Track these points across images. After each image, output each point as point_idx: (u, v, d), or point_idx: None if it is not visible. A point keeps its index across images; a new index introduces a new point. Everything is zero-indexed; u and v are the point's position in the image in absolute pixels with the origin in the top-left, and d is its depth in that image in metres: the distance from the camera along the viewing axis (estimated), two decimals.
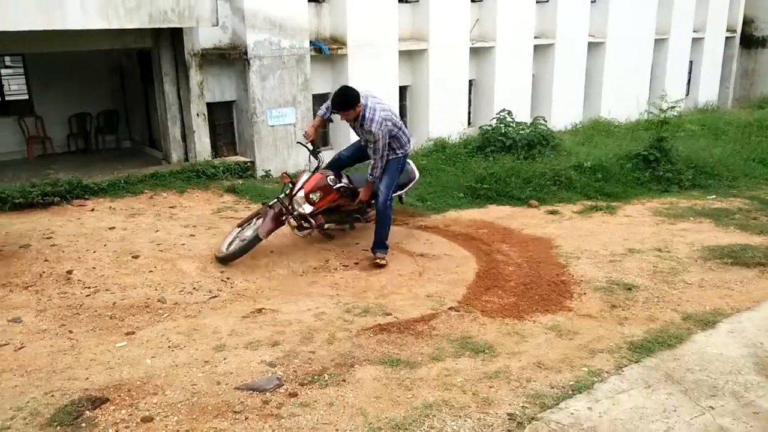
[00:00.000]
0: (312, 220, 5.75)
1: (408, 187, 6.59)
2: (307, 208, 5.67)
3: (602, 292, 4.95)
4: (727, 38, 20.24)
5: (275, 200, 5.77)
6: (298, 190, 5.67)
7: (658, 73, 17.59)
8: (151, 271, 5.46)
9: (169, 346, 4.09)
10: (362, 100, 5.53)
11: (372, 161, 5.79)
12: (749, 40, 21.90)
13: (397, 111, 5.84)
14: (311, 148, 5.89)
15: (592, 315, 4.53)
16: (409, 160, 6.39)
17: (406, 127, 6.01)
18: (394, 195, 6.05)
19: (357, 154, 6.22)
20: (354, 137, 6.47)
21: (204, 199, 8.08)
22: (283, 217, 5.75)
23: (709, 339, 4.10)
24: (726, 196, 8.06)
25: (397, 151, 5.89)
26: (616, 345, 4.04)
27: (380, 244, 5.81)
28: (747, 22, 21.52)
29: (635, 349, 3.97)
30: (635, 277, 5.26)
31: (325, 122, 6.03)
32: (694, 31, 18.49)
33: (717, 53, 19.60)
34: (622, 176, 8.53)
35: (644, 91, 17.12)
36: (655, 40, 17.31)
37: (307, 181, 5.72)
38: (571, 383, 3.56)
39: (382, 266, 5.66)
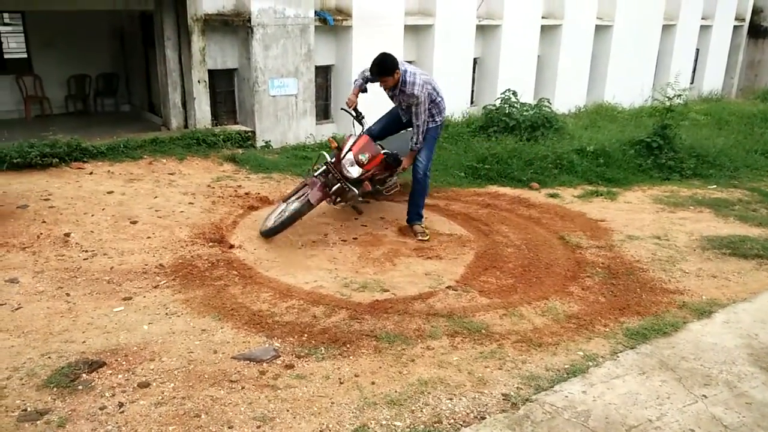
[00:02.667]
0: (355, 189, 5.51)
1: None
2: (355, 171, 5.45)
3: (600, 278, 4.96)
4: (735, 27, 20.03)
5: (323, 167, 5.60)
6: (347, 152, 5.50)
7: (664, 59, 17.43)
8: (149, 237, 5.44)
9: (166, 313, 4.09)
10: (401, 67, 5.57)
11: (414, 129, 5.77)
12: (757, 30, 21.68)
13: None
14: (354, 114, 5.92)
15: (590, 300, 4.55)
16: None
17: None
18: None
19: (386, 128, 6.23)
20: (381, 112, 6.43)
21: (203, 167, 8.02)
22: (330, 186, 5.53)
23: (705, 328, 4.13)
24: (727, 186, 8.05)
25: (436, 118, 5.90)
26: (613, 330, 4.06)
27: (416, 215, 5.97)
28: (756, 11, 21.27)
29: (631, 335, 3.99)
30: (633, 264, 5.27)
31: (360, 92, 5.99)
32: (702, 18, 18.29)
33: (724, 42, 19.41)
34: (624, 162, 8.49)
35: (649, 78, 16.98)
36: (663, 26, 17.11)
37: (355, 143, 5.60)
38: (566, 366, 3.59)
39: (424, 241, 5.73)
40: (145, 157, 8.00)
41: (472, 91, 13.89)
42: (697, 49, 18.67)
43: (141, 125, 10.17)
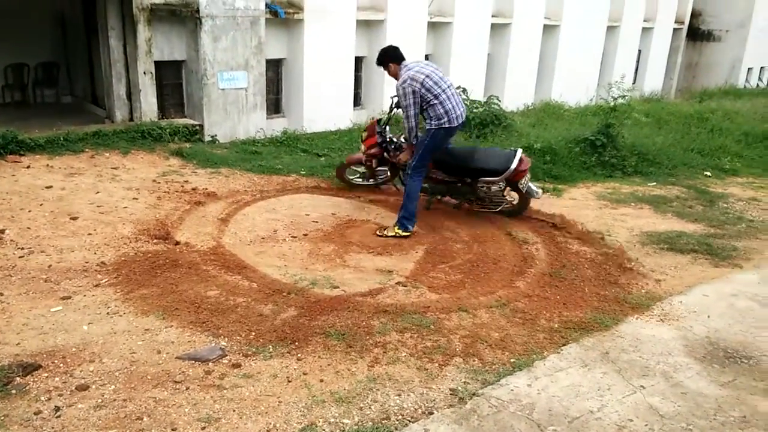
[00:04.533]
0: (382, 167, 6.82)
1: (505, 174, 5.99)
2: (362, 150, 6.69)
3: (545, 273, 5.08)
4: (674, 30, 20.84)
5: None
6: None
7: (608, 60, 17.99)
8: (90, 234, 5.25)
9: (107, 313, 3.96)
10: (404, 62, 5.75)
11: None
12: (695, 33, 22.64)
13: (437, 81, 5.63)
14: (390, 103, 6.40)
15: (535, 294, 4.65)
16: (515, 148, 6.25)
17: (447, 101, 5.65)
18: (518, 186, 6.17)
19: None
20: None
21: (149, 162, 7.80)
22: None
23: (643, 321, 4.29)
24: (665, 183, 8.36)
25: (431, 122, 5.68)
26: (557, 324, 4.17)
27: (399, 221, 5.82)
28: (695, 14, 22.19)
29: (574, 328, 4.11)
30: (578, 258, 5.42)
31: None
32: (644, 21, 18.95)
33: (665, 44, 20.18)
34: (569, 159, 8.71)
35: (594, 77, 17.51)
36: (608, 27, 17.66)
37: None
38: (512, 360, 3.66)
39: (381, 237, 5.71)
40: (87, 150, 7.73)
41: None
42: (639, 51, 19.33)
43: (83, 117, 9.80)
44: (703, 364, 3.74)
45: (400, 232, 5.73)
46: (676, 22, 20.65)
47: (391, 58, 5.79)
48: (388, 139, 6.55)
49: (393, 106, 6.26)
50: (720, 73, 22.07)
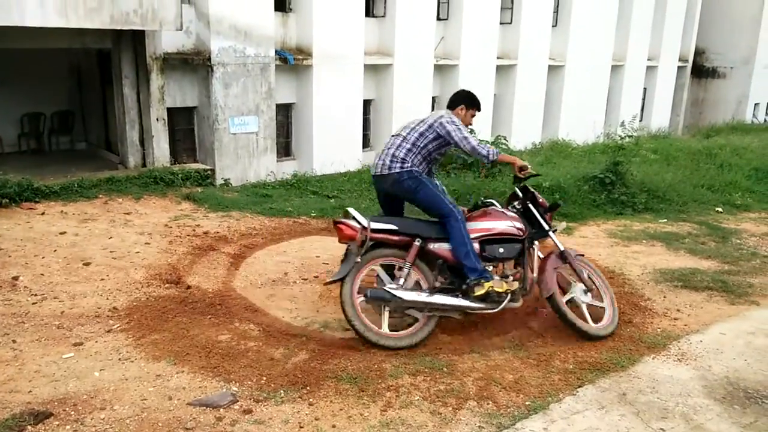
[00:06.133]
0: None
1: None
2: None
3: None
4: (679, 67, 21.10)
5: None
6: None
7: (614, 98, 18.18)
8: (102, 279, 5.28)
9: (119, 359, 3.95)
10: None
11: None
12: (700, 71, 22.90)
13: (401, 127, 4.74)
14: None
15: (550, 335, 4.59)
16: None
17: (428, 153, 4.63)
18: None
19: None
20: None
21: (161, 207, 7.89)
22: None
23: (660, 361, 4.21)
24: (676, 220, 8.33)
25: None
26: (572, 365, 4.10)
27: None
28: (698, 52, 22.50)
29: (590, 369, 4.03)
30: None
31: None
32: (648, 59, 19.22)
33: (669, 81, 20.40)
34: (579, 197, 8.72)
35: (601, 115, 17.66)
36: (612, 66, 17.91)
37: None
38: (527, 403, 3.60)
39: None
40: (101, 196, 7.83)
41: None
42: (645, 88, 19.53)
43: (97, 164, 9.99)
44: (724, 405, 3.66)
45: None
46: (680, 60, 20.92)
47: (457, 102, 5.11)
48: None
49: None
50: (727, 109, 22.19)
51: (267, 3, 10.04)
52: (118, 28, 8.17)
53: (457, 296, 4.35)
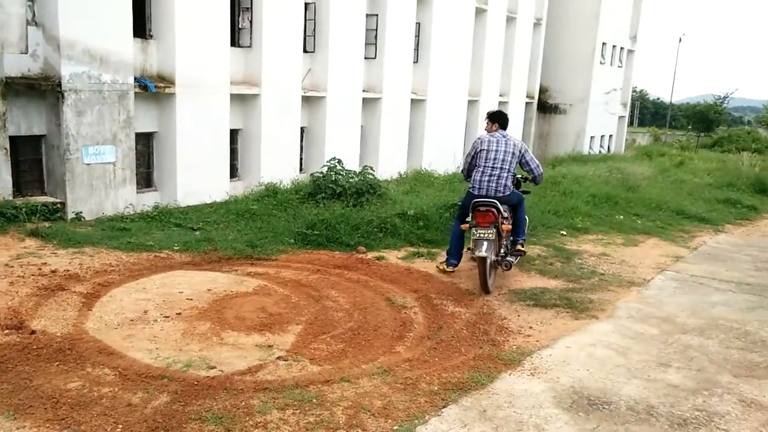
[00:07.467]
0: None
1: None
2: None
3: (423, 336, 5.22)
4: (527, 103, 23.11)
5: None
6: None
7: (471, 130, 19.45)
8: None
9: None
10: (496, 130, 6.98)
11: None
12: (544, 106, 25.28)
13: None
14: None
15: (415, 358, 4.76)
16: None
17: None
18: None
19: None
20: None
21: (1, 245, 7.15)
22: None
23: (516, 376, 4.52)
24: (527, 243, 9.00)
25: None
26: (437, 387, 4.28)
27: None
28: (543, 90, 24.85)
29: (453, 389, 4.23)
30: (453, 319, 5.64)
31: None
32: (500, 95, 20.87)
33: (519, 116, 22.24)
34: (440, 224, 9.16)
35: (460, 146, 18.81)
36: (469, 101, 19.22)
37: None
38: (395, 428, 3.69)
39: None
40: None
41: (301, 159, 14.22)
42: None
43: None
44: (570, 413, 4.00)
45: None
46: (527, 96, 22.93)
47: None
48: None
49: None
50: (568, 142, 24.65)
51: (125, 28, 9.59)
52: None
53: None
